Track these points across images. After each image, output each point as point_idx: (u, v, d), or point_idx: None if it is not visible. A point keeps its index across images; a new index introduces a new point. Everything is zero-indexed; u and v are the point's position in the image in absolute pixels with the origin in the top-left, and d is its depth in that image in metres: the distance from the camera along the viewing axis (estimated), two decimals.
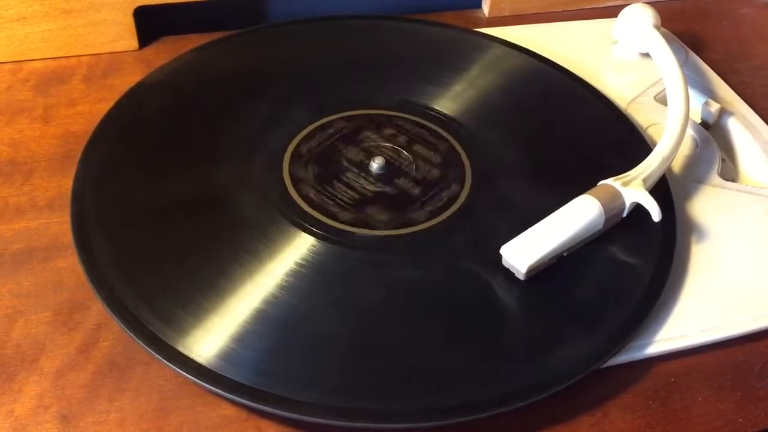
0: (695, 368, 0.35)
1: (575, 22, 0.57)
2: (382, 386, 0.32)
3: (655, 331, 0.35)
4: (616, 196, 0.37)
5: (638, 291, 0.36)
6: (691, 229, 0.40)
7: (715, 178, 0.44)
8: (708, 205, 0.42)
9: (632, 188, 0.38)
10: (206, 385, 0.31)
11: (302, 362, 0.32)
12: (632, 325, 0.34)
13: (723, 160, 0.46)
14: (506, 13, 0.58)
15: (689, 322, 0.36)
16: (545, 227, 0.36)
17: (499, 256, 0.36)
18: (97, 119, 0.42)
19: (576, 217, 0.36)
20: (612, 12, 0.54)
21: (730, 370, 0.35)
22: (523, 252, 0.35)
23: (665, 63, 0.47)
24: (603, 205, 0.37)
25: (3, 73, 0.48)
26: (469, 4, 0.59)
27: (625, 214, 0.38)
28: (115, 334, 0.34)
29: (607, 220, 0.37)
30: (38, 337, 0.34)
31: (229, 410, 0.32)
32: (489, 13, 0.58)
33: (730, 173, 0.46)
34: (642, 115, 0.48)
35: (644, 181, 0.38)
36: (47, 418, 0.31)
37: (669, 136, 0.41)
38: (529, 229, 0.36)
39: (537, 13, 0.58)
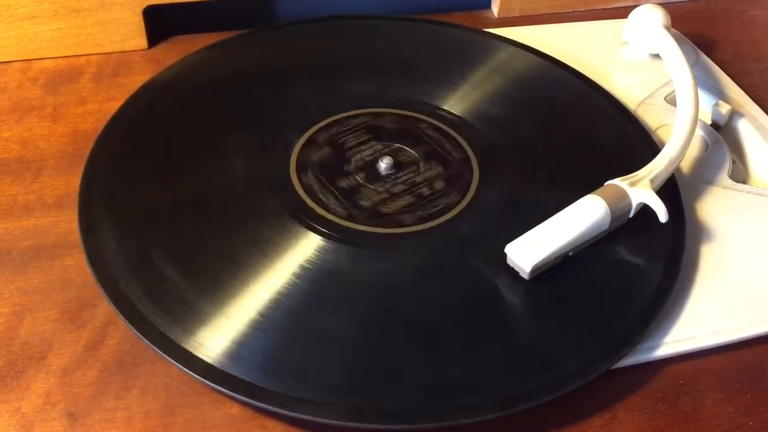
0: (705, 370, 0.35)
1: (585, 22, 0.57)
2: (388, 386, 0.32)
3: (664, 333, 0.35)
4: (623, 196, 0.37)
5: (647, 292, 0.36)
6: (700, 230, 0.40)
7: (725, 180, 0.43)
8: (718, 207, 0.42)
9: (639, 188, 0.37)
10: (212, 384, 0.31)
11: (308, 362, 0.32)
12: (641, 327, 0.34)
13: (733, 162, 0.45)
14: (516, 14, 0.58)
15: (699, 324, 0.36)
16: (550, 226, 0.36)
17: (505, 256, 0.36)
18: (107, 118, 0.42)
19: (581, 217, 0.36)
20: (622, 13, 0.54)
21: (740, 372, 0.35)
22: (528, 251, 0.35)
23: (675, 63, 0.46)
24: (609, 205, 0.36)
25: (13, 71, 0.49)
26: (478, 5, 0.59)
27: (631, 215, 0.38)
28: (122, 332, 0.34)
29: (613, 220, 0.37)
30: (46, 334, 0.34)
31: (235, 409, 0.32)
32: (498, 13, 0.58)
33: (740, 175, 0.45)
34: (652, 116, 0.47)
35: (651, 181, 0.38)
36: (54, 416, 0.31)
37: (677, 136, 0.41)
38: (534, 228, 0.36)
39: (546, 14, 0.58)
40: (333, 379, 0.32)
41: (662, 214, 0.37)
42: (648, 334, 0.35)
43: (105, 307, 0.35)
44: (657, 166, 0.39)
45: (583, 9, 0.59)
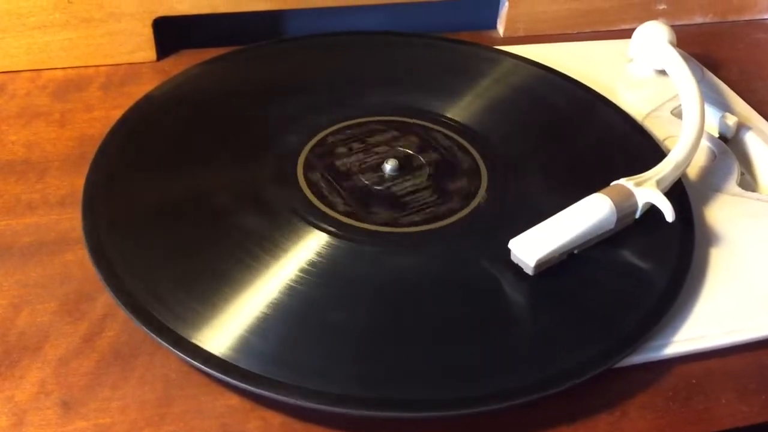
0: (718, 370, 0.34)
1: (590, 42, 0.57)
2: (390, 377, 0.31)
3: (674, 332, 0.34)
4: (629, 195, 0.37)
5: (655, 291, 0.35)
6: (710, 233, 0.40)
7: (734, 187, 0.43)
8: (727, 212, 0.41)
9: (645, 188, 0.37)
10: (210, 371, 0.30)
11: (308, 353, 0.31)
12: (648, 325, 0.33)
13: (742, 174, 0.45)
14: (521, 33, 0.58)
15: (710, 323, 0.35)
16: (555, 223, 0.35)
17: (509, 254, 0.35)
18: (113, 124, 0.42)
19: (587, 215, 0.36)
20: (626, 34, 0.54)
21: (754, 373, 0.34)
22: (532, 246, 0.34)
23: (680, 75, 0.46)
24: (615, 204, 0.36)
25: (22, 80, 0.49)
26: (484, 25, 0.59)
27: (638, 215, 0.37)
28: (120, 324, 0.34)
29: (619, 219, 0.36)
30: (43, 325, 0.34)
31: (234, 400, 0.31)
32: (504, 33, 0.58)
33: (749, 186, 0.45)
34: (658, 127, 0.47)
35: (658, 182, 0.38)
36: (48, 404, 0.31)
37: (684, 140, 0.41)
38: (539, 225, 0.35)
39: (551, 34, 0.58)
40: (333, 370, 0.31)
41: (669, 213, 0.36)
42: (656, 331, 0.34)
43: (103, 301, 0.35)
44: (663, 169, 0.39)
45: (587, 30, 0.59)
